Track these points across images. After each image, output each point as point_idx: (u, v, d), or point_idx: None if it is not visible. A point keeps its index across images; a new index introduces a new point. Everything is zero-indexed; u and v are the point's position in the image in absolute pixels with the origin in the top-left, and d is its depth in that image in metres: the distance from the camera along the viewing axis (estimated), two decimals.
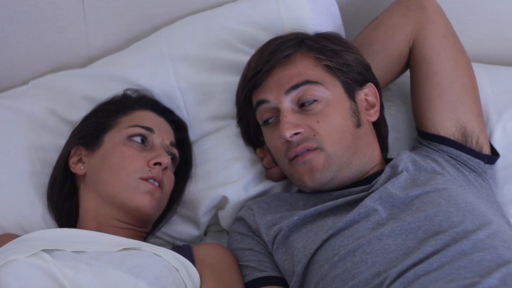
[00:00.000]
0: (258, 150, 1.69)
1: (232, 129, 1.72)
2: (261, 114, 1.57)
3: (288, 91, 1.52)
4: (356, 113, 1.54)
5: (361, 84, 1.57)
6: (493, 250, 1.29)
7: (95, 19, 1.84)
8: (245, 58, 1.70)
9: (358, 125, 1.53)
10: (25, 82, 1.85)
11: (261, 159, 1.69)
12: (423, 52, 1.62)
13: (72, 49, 1.87)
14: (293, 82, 1.52)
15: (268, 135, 1.57)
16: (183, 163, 1.67)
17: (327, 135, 1.49)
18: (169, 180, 1.58)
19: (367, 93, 1.58)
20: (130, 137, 1.57)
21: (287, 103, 1.52)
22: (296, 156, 1.50)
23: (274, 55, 1.54)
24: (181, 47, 1.75)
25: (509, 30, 1.87)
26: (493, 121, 1.71)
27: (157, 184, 1.53)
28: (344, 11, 1.81)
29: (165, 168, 1.55)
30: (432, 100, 1.61)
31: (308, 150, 1.49)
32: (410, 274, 1.26)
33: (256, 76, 1.56)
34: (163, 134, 1.60)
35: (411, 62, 1.66)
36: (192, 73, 1.74)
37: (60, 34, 1.85)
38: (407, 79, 1.72)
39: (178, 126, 1.69)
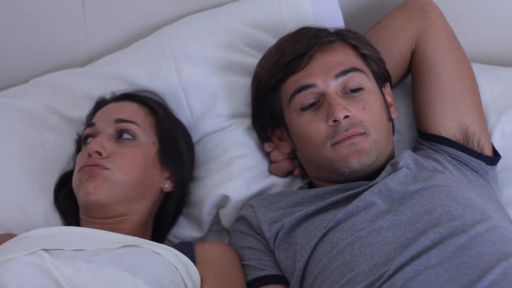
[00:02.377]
0: (266, 145, 1.68)
1: (234, 128, 1.72)
2: (302, 99, 1.54)
3: (338, 76, 1.52)
4: (387, 107, 1.57)
5: (385, 81, 1.60)
6: (492, 245, 1.29)
7: (95, 19, 1.84)
8: (247, 59, 1.70)
9: (389, 118, 1.57)
10: (25, 81, 1.85)
11: (266, 154, 1.69)
12: (426, 54, 1.63)
13: (72, 49, 1.87)
14: (343, 68, 1.53)
15: (305, 121, 1.54)
16: (171, 148, 1.63)
17: (372, 122, 1.51)
18: (124, 154, 1.55)
19: (385, 92, 1.60)
20: (84, 141, 1.60)
21: (334, 87, 1.52)
22: (343, 139, 1.50)
23: (317, 40, 1.55)
24: (183, 46, 1.75)
25: (509, 30, 1.87)
26: (492, 123, 1.71)
27: (92, 164, 1.52)
28: (346, 13, 1.81)
29: (97, 153, 1.52)
30: (434, 102, 1.61)
31: (355, 134, 1.50)
32: (409, 268, 1.26)
33: (297, 59, 1.55)
34: (105, 121, 1.59)
35: (413, 64, 1.67)
36: (194, 72, 1.74)
37: (60, 34, 1.85)
38: (407, 81, 1.73)
39: (151, 107, 1.65)
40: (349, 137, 1.49)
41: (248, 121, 1.71)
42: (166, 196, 1.64)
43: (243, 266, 1.52)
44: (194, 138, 1.73)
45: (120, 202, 1.53)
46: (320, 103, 1.52)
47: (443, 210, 1.36)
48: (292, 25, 1.72)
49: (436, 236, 1.30)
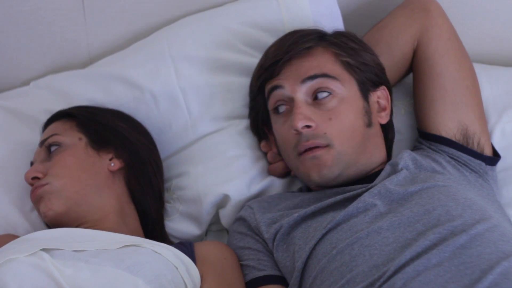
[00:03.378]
0: (263, 144, 1.69)
1: (233, 128, 1.72)
2: (273, 101, 1.56)
3: (304, 81, 1.52)
4: (368, 113, 1.55)
5: (375, 85, 1.58)
6: (492, 244, 1.29)
7: (95, 19, 1.84)
8: (246, 59, 1.70)
9: (369, 124, 1.54)
10: (25, 82, 1.86)
11: (265, 154, 1.69)
12: (427, 53, 1.63)
13: (72, 49, 1.86)
14: (311, 73, 1.52)
15: (278, 125, 1.57)
16: (100, 132, 1.65)
17: (338, 133, 1.49)
18: (54, 163, 1.59)
19: (380, 95, 1.59)
20: None
21: (301, 94, 1.52)
22: (306, 150, 1.50)
23: (295, 46, 1.55)
24: (182, 47, 1.75)
25: (509, 30, 1.88)
26: (492, 123, 1.71)
27: (33, 190, 1.58)
28: (345, 13, 1.81)
29: (35, 178, 1.58)
30: (435, 101, 1.61)
31: (317, 146, 1.49)
32: (409, 269, 1.26)
33: (274, 65, 1.56)
34: (36, 152, 1.65)
35: (414, 63, 1.67)
36: (193, 73, 1.74)
37: (60, 34, 1.85)
38: (407, 80, 1.73)
39: (53, 118, 1.70)
40: (311, 150, 1.49)
41: (246, 122, 1.72)
42: (127, 175, 1.65)
43: (242, 266, 1.52)
44: (192, 138, 1.73)
45: (76, 203, 1.55)
46: (290, 108, 1.53)
47: (442, 210, 1.36)
48: (290, 25, 1.72)
49: (436, 236, 1.30)
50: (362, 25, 1.77)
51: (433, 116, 1.61)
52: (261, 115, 1.64)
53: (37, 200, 1.57)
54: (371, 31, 1.72)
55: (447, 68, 1.62)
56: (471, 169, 1.57)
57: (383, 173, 1.50)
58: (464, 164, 1.57)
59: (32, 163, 1.65)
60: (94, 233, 1.49)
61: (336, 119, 1.50)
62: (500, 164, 1.64)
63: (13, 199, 1.69)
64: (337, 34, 1.61)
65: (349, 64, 1.54)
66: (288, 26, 1.72)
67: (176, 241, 1.69)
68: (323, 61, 1.54)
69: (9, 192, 1.69)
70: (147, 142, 1.69)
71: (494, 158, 1.62)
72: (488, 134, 1.65)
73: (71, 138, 1.62)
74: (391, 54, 1.67)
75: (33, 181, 1.58)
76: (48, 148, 1.62)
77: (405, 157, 1.52)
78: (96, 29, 1.85)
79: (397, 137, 1.71)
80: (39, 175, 1.58)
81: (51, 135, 1.63)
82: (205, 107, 1.73)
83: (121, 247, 1.42)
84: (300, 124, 1.48)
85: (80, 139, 1.62)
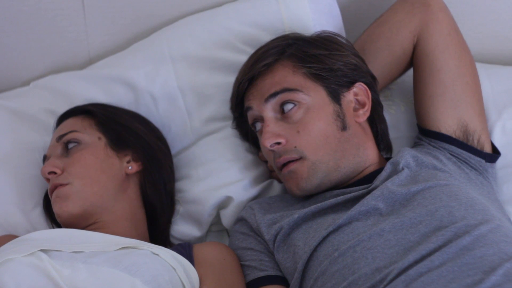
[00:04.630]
0: (260, 154, 1.69)
1: (232, 129, 1.72)
2: (250, 120, 1.59)
3: (267, 99, 1.53)
4: (340, 116, 1.53)
5: (348, 85, 1.56)
6: (495, 245, 1.29)
7: (95, 19, 1.84)
8: (245, 59, 1.69)
9: (344, 128, 1.52)
10: (25, 82, 1.86)
11: (265, 162, 1.70)
12: (427, 49, 1.62)
13: (72, 49, 1.87)
14: (272, 91, 1.53)
15: (260, 141, 1.58)
16: (120, 133, 1.64)
17: (308, 143, 1.49)
18: (74, 161, 1.57)
19: (357, 92, 1.57)
20: None
21: (268, 111, 1.53)
22: (282, 166, 1.51)
23: (256, 64, 1.56)
24: (182, 47, 1.75)
25: (509, 30, 1.88)
26: (493, 120, 1.71)
27: (53, 188, 1.56)
28: (345, 11, 1.81)
29: (52, 173, 1.57)
30: (435, 98, 1.61)
31: (291, 161, 1.50)
32: (412, 271, 1.26)
33: (242, 85, 1.58)
34: (51, 146, 1.64)
35: (414, 59, 1.66)
36: (192, 73, 1.74)
37: (60, 34, 1.85)
38: (407, 78, 1.73)
39: (70, 113, 1.68)
40: (286, 165, 1.50)
41: None
42: (142, 179, 1.64)
43: (243, 266, 1.52)
44: (192, 139, 1.74)
45: (92, 205, 1.55)
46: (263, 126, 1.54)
47: (445, 211, 1.35)
48: (290, 24, 1.72)
49: (439, 239, 1.30)
50: (362, 24, 1.77)
51: (433, 112, 1.61)
52: (250, 134, 1.66)
53: (54, 197, 1.55)
54: (371, 26, 1.71)
55: (447, 64, 1.61)
56: (471, 166, 1.57)
57: (383, 173, 1.49)
58: (464, 161, 1.57)
59: (45, 157, 1.64)
60: (92, 235, 1.49)
61: (304, 130, 1.50)
62: (500, 162, 1.64)
63: (13, 198, 1.69)
64: (302, 42, 1.59)
65: (311, 73, 1.53)
66: (287, 25, 1.72)
67: (176, 242, 1.69)
68: (283, 75, 1.54)
69: (10, 191, 1.69)
70: (163, 146, 1.68)
71: (494, 155, 1.61)
72: (488, 132, 1.65)
73: (91, 136, 1.61)
74: (391, 50, 1.66)
75: (50, 175, 1.57)
76: (65, 144, 1.60)
77: (405, 155, 1.51)
78: (96, 29, 1.85)
79: (397, 134, 1.71)
80: (57, 170, 1.56)
81: (70, 131, 1.61)
82: (205, 108, 1.73)
83: (119, 249, 1.42)
84: (268, 143, 1.49)
85: (99, 138, 1.61)
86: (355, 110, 1.56)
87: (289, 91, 1.52)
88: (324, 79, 1.53)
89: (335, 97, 1.53)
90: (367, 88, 1.57)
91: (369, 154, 1.56)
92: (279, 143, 1.50)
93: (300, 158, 1.49)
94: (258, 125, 1.57)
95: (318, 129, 1.50)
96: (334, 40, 1.61)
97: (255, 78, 1.56)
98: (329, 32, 1.63)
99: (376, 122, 1.62)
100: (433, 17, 1.63)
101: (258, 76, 1.56)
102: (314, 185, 1.50)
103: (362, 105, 1.57)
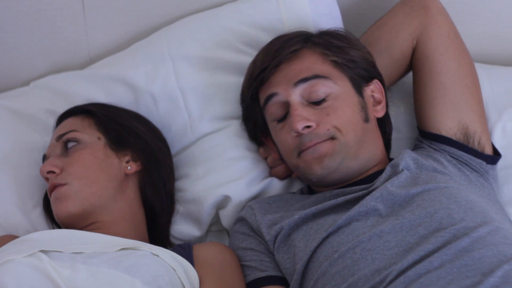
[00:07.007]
0: (261, 150, 1.69)
1: (233, 128, 1.72)
2: (272, 111, 1.57)
3: (296, 84, 1.52)
4: (364, 108, 1.55)
5: (367, 80, 1.58)
6: (494, 247, 1.29)
7: (95, 19, 1.84)
8: (245, 59, 1.69)
9: (366, 119, 1.55)
10: (25, 82, 1.86)
11: (265, 158, 1.69)
12: (427, 52, 1.62)
13: (72, 49, 1.87)
14: (302, 76, 1.53)
15: (277, 130, 1.57)
16: (119, 133, 1.64)
17: (340, 124, 1.50)
18: (73, 160, 1.58)
19: (373, 89, 1.59)
20: None
21: (296, 96, 1.52)
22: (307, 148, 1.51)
23: (281, 51, 1.56)
24: (182, 47, 1.75)
25: (509, 30, 1.87)
26: (493, 121, 1.71)
27: (52, 187, 1.56)
28: (345, 12, 1.81)
29: (51, 172, 1.56)
30: (435, 100, 1.61)
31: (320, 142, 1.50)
32: (411, 272, 1.26)
33: (263, 72, 1.56)
34: (50, 146, 1.64)
35: (414, 62, 1.66)
36: (192, 73, 1.74)
37: (60, 34, 1.85)
38: (406, 79, 1.73)
39: (69, 113, 1.69)
40: (313, 145, 1.50)
41: None
42: (142, 179, 1.64)
43: (244, 267, 1.52)
44: (191, 139, 1.73)
45: (91, 205, 1.55)
46: (286, 113, 1.54)
47: (444, 213, 1.35)
48: (290, 24, 1.72)
49: (438, 240, 1.30)
50: (362, 25, 1.77)
51: (433, 115, 1.61)
52: (259, 124, 1.65)
53: (53, 198, 1.55)
54: (371, 29, 1.71)
55: (446, 67, 1.61)
56: (472, 168, 1.57)
57: (383, 175, 1.49)
58: (465, 163, 1.57)
59: (44, 157, 1.64)
60: (92, 236, 1.49)
61: (334, 114, 1.51)
62: (500, 163, 1.64)
63: (13, 198, 1.69)
64: (322, 33, 1.61)
65: (337, 62, 1.55)
66: (287, 25, 1.72)
67: (176, 242, 1.69)
68: (312, 62, 1.54)
69: (10, 191, 1.69)
70: (163, 146, 1.68)
71: (494, 157, 1.62)
72: (489, 133, 1.65)
73: (90, 136, 1.61)
74: (391, 52, 1.66)
75: (49, 175, 1.57)
76: (65, 144, 1.60)
77: (405, 157, 1.52)
78: (96, 29, 1.85)
79: (397, 136, 1.71)
80: (56, 170, 1.56)
81: (70, 131, 1.61)
82: (205, 108, 1.73)
83: (119, 250, 1.42)
84: (299, 126, 1.49)
85: (99, 138, 1.61)
86: (373, 105, 1.58)
87: (319, 78, 1.52)
88: (348, 70, 1.55)
89: (358, 89, 1.56)
90: (381, 86, 1.59)
91: (379, 153, 1.57)
92: (309, 127, 1.50)
93: (330, 139, 1.50)
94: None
95: (347, 116, 1.51)
96: (347, 36, 1.63)
97: (280, 64, 1.55)
98: (340, 29, 1.65)
99: (386, 123, 1.63)
100: (432, 20, 1.63)
101: (283, 62, 1.55)
102: (335, 164, 1.50)
103: (378, 102, 1.59)
